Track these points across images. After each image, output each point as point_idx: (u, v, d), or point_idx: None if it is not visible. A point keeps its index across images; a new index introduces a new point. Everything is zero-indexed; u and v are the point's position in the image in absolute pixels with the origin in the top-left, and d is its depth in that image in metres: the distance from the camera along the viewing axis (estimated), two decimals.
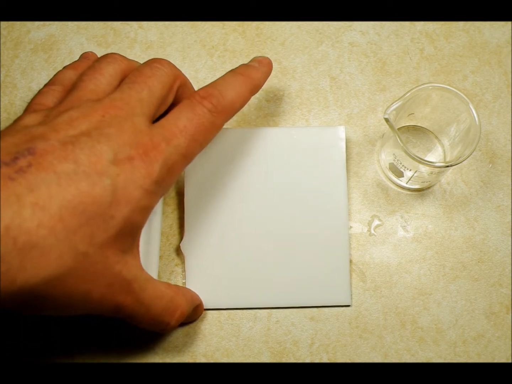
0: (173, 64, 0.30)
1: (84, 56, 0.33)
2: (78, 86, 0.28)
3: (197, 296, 0.33)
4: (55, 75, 0.31)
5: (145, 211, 0.26)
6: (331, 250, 0.34)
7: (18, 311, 0.24)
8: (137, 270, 0.27)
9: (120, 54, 0.30)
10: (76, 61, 0.33)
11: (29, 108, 0.28)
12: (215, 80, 0.30)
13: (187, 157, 0.28)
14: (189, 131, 0.27)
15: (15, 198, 0.21)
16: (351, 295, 0.34)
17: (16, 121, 0.26)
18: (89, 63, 0.32)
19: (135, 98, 0.27)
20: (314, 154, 0.35)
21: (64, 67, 0.32)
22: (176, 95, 0.30)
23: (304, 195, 0.35)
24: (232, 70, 0.32)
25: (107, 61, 0.29)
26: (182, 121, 0.27)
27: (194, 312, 0.32)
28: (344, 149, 0.35)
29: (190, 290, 0.33)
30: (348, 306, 0.34)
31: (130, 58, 0.31)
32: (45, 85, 0.30)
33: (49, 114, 0.26)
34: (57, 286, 0.22)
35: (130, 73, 0.29)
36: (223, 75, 0.31)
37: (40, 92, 0.30)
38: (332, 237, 0.34)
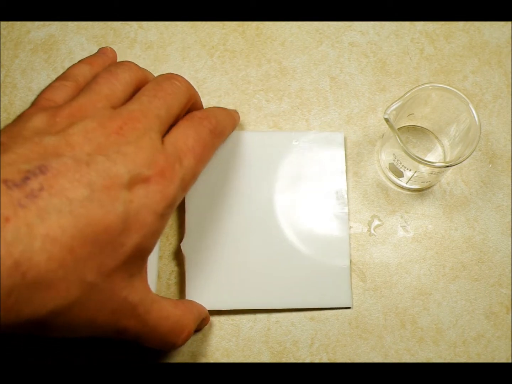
0: (189, 83, 0.30)
1: (101, 51, 0.32)
2: (92, 88, 0.26)
3: (203, 308, 0.32)
4: (69, 69, 0.29)
5: (156, 235, 0.25)
6: (331, 253, 0.34)
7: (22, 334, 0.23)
8: (143, 292, 0.26)
9: (135, 63, 0.29)
10: (92, 55, 0.32)
11: (38, 102, 0.27)
12: (204, 109, 0.32)
13: (195, 176, 0.28)
14: (196, 151, 0.27)
15: (26, 229, 0.20)
16: (352, 297, 0.34)
17: (23, 118, 0.25)
18: (105, 60, 0.31)
19: (153, 114, 0.26)
20: (314, 158, 0.36)
21: (80, 61, 0.30)
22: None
23: (304, 198, 0.35)
24: (215, 106, 0.34)
25: (123, 68, 0.28)
26: (190, 141, 0.27)
27: (200, 324, 0.32)
28: (343, 154, 0.36)
29: (196, 303, 0.32)
30: (349, 308, 0.34)
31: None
32: (57, 79, 0.29)
33: (59, 114, 0.24)
34: (62, 316, 0.22)
35: (148, 84, 0.28)
36: (208, 107, 0.33)
37: (51, 85, 0.28)
38: (333, 240, 0.34)
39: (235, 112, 0.35)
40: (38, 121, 0.24)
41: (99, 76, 0.27)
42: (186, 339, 0.29)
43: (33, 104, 0.27)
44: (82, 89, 0.27)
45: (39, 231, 0.20)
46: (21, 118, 0.25)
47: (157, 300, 0.27)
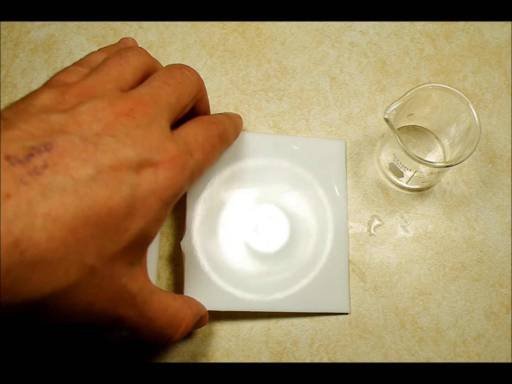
0: (199, 75, 0.30)
1: (123, 42, 0.32)
2: (101, 69, 0.26)
3: (202, 306, 0.32)
4: (86, 56, 0.29)
5: (159, 223, 0.25)
6: (330, 258, 0.34)
7: (16, 315, 0.23)
8: (142, 282, 0.26)
9: (145, 50, 0.29)
10: (112, 45, 0.31)
11: (49, 83, 0.26)
12: (212, 115, 0.32)
13: (202, 173, 0.28)
14: (206, 148, 0.27)
15: (27, 207, 0.19)
16: (350, 301, 0.34)
17: (31, 96, 0.24)
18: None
19: (164, 100, 0.26)
20: (315, 164, 0.36)
21: (98, 50, 0.30)
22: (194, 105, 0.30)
23: (303, 203, 0.35)
24: (220, 113, 0.34)
25: (133, 52, 0.28)
26: (200, 137, 0.27)
27: (198, 323, 0.32)
28: (344, 162, 0.36)
29: (196, 300, 0.32)
30: (346, 314, 0.34)
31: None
32: (73, 64, 0.28)
33: (68, 92, 0.24)
34: (59, 298, 0.21)
35: (160, 71, 0.28)
36: (215, 114, 0.33)
37: (66, 69, 0.27)
38: (331, 245, 0.35)
39: (239, 118, 0.35)
40: (46, 98, 0.23)
41: (109, 58, 0.27)
42: (183, 334, 0.29)
43: (44, 84, 0.26)
44: (92, 71, 0.26)
45: (41, 209, 0.19)
46: (29, 95, 0.24)
47: (156, 291, 0.27)
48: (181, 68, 0.29)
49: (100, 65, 0.26)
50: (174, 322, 0.28)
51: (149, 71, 0.28)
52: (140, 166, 0.23)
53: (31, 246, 0.19)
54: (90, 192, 0.21)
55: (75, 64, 0.28)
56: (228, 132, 0.31)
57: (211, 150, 0.28)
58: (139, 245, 0.24)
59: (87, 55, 0.29)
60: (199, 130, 0.28)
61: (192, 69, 0.29)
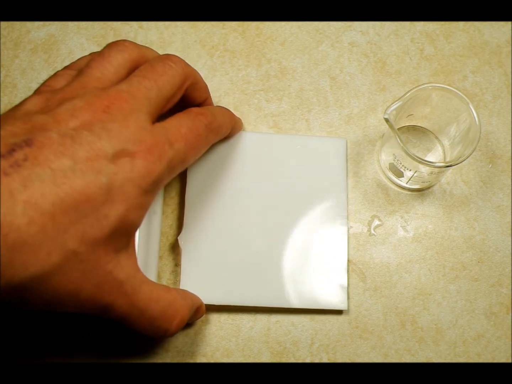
0: (186, 63, 0.30)
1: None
2: (84, 72, 0.27)
3: (198, 298, 0.32)
4: (77, 60, 0.30)
5: (141, 210, 0.25)
6: (329, 256, 0.34)
7: (4, 303, 0.23)
8: (131, 270, 0.26)
9: (131, 42, 0.29)
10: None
11: (38, 89, 0.28)
12: (204, 106, 0.32)
13: (184, 163, 0.28)
14: (189, 138, 0.28)
15: (8, 195, 0.21)
16: (348, 300, 0.34)
17: (20, 104, 0.26)
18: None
19: (143, 95, 0.26)
20: (315, 163, 0.36)
21: (90, 53, 0.31)
22: (185, 93, 0.30)
23: (304, 201, 0.35)
24: (217, 105, 0.34)
25: (117, 49, 0.28)
26: (184, 128, 0.28)
27: (195, 314, 0.32)
28: (345, 161, 0.36)
29: (190, 292, 0.32)
30: (343, 311, 0.34)
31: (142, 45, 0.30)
32: (63, 68, 0.29)
33: (51, 98, 0.25)
34: (43, 282, 0.22)
35: (142, 66, 0.28)
36: (208, 106, 0.33)
37: (55, 74, 0.29)
38: (331, 243, 0.35)
39: (239, 118, 0.36)
40: (31, 104, 0.25)
41: (92, 59, 0.28)
42: (179, 326, 0.29)
43: (35, 91, 0.28)
44: (76, 74, 0.28)
45: (21, 197, 0.21)
46: (18, 104, 0.26)
47: (147, 282, 0.27)
48: (164, 59, 0.29)
49: (84, 68, 0.27)
50: (168, 313, 0.28)
51: (136, 65, 0.29)
52: (116, 156, 0.24)
53: (12, 230, 0.21)
54: (67, 181, 0.22)
55: (65, 68, 0.29)
56: (218, 122, 0.31)
57: (195, 140, 0.28)
58: (123, 232, 0.25)
59: (77, 59, 0.30)
60: (184, 121, 0.28)
61: (177, 58, 0.29)
